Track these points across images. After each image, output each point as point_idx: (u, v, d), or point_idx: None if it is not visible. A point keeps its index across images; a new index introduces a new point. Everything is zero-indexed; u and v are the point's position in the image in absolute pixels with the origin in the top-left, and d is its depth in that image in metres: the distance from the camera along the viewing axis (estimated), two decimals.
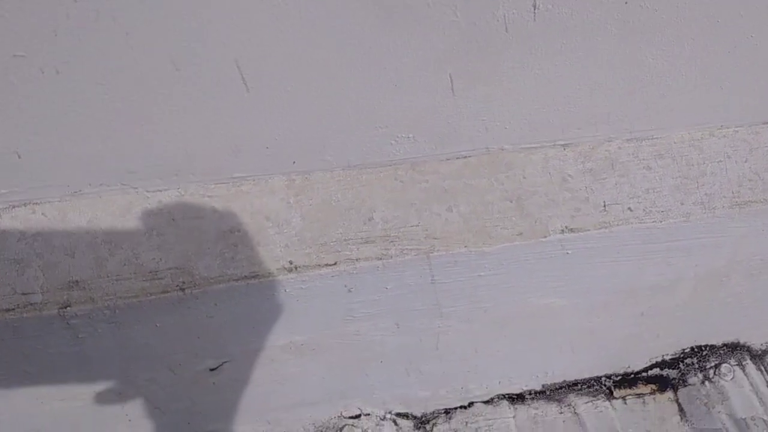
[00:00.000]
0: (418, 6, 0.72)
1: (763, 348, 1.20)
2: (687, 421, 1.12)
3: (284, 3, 0.67)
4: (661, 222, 0.93)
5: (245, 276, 0.83)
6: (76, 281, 0.79)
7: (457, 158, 0.93)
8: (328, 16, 0.69)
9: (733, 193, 0.95)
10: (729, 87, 0.93)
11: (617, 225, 0.92)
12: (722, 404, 1.11)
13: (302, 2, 0.67)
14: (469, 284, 0.94)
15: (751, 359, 1.17)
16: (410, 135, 0.88)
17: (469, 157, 0.93)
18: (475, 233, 0.89)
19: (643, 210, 0.93)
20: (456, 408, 1.13)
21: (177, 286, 0.81)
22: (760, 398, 1.12)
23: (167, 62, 0.69)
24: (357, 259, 0.86)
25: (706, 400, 1.12)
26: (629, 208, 0.93)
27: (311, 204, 0.88)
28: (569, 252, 0.93)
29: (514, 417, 1.11)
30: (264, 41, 0.70)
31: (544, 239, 0.91)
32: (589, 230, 0.91)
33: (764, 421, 1.09)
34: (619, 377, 1.16)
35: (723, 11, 0.81)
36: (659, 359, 1.16)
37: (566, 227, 0.91)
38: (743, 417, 1.09)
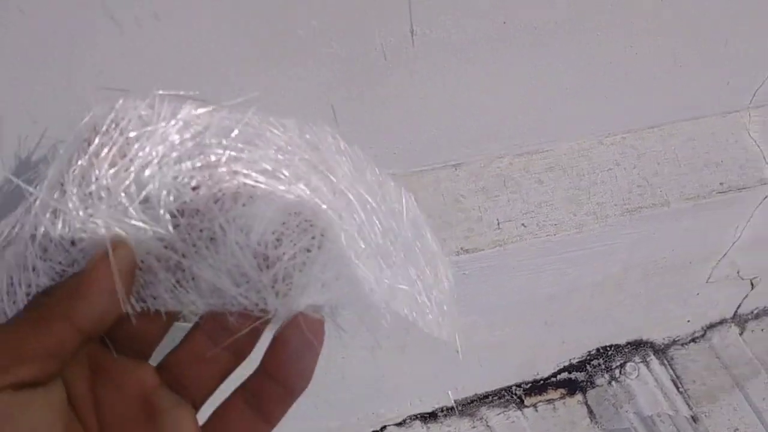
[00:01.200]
0: (292, 40, 0.70)
1: (666, 342, 1.26)
2: (596, 422, 1.17)
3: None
4: (555, 235, 0.96)
5: None
6: None
7: None
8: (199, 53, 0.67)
9: (623, 200, 0.99)
10: (613, 95, 0.96)
11: (511, 242, 0.94)
12: (629, 403, 1.16)
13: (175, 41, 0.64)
14: None
15: (654, 354, 1.23)
16: None
17: None
18: None
19: (537, 225, 0.95)
20: None
21: None
22: (665, 393, 1.19)
23: None
24: None
25: (614, 401, 1.17)
26: (523, 224, 0.95)
27: None
28: (466, 272, 0.95)
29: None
30: None
31: None
32: (483, 250, 0.93)
33: (669, 416, 1.15)
34: (529, 384, 1.19)
35: (602, 24, 0.84)
36: (567, 363, 1.21)
37: (461, 248, 0.92)
38: (650, 414, 1.14)
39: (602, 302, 1.13)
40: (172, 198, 0.39)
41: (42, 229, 0.38)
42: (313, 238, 0.41)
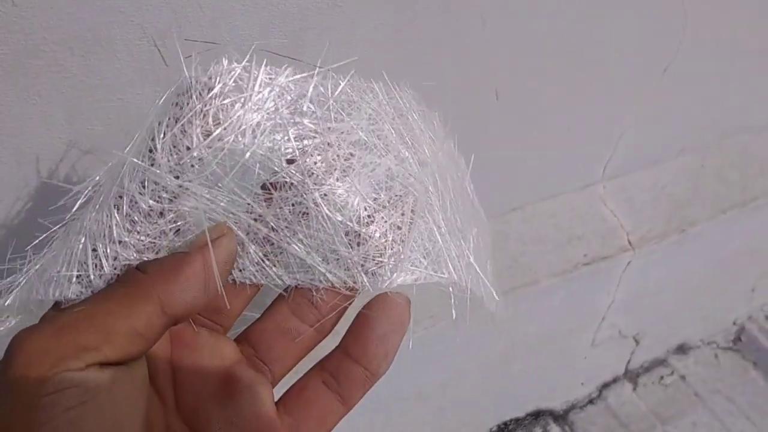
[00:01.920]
0: None
1: (565, 408, 1.31)
2: None
3: None
4: (434, 326, 0.99)
5: None
6: None
7: None
8: None
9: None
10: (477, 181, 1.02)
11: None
12: None
13: None
14: None
15: (554, 422, 1.28)
16: None
17: None
18: None
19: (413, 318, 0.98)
20: None
21: None
22: None
23: None
24: None
25: None
26: None
27: None
28: None
29: None
30: None
31: None
32: None
33: None
34: None
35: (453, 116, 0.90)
36: None
37: None
38: None
39: (494, 379, 1.17)
40: (266, 170, 0.38)
41: (128, 199, 0.36)
42: (403, 214, 0.41)
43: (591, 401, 1.34)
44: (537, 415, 1.28)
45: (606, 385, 1.35)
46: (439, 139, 0.52)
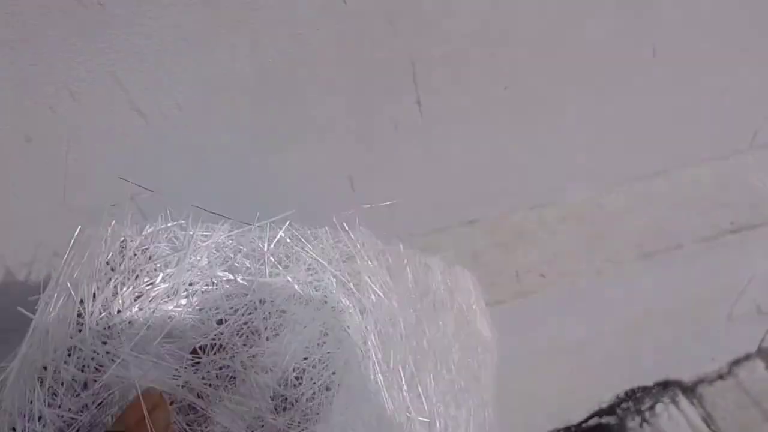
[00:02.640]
0: (307, 122, 0.79)
1: (693, 381, 1.31)
2: None
3: None
4: (572, 284, 1.02)
5: None
6: None
7: None
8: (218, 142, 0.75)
9: (636, 245, 1.05)
10: (618, 146, 1.04)
11: (532, 293, 1.00)
12: None
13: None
14: None
15: (683, 394, 1.28)
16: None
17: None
18: None
19: (556, 274, 1.02)
20: None
21: None
22: None
23: None
24: None
25: None
26: (541, 275, 1.02)
27: None
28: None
29: None
30: None
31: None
32: (506, 302, 0.99)
33: None
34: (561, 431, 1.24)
35: (602, 83, 0.92)
36: (597, 408, 1.26)
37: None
38: None
39: (627, 345, 1.18)
40: (196, 332, 0.37)
41: (52, 369, 0.34)
42: (334, 373, 0.40)
43: (721, 376, 1.33)
44: (665, 386, 1.28)
45: (737, 362, 1.34)
46: (398, 274, 0.50)
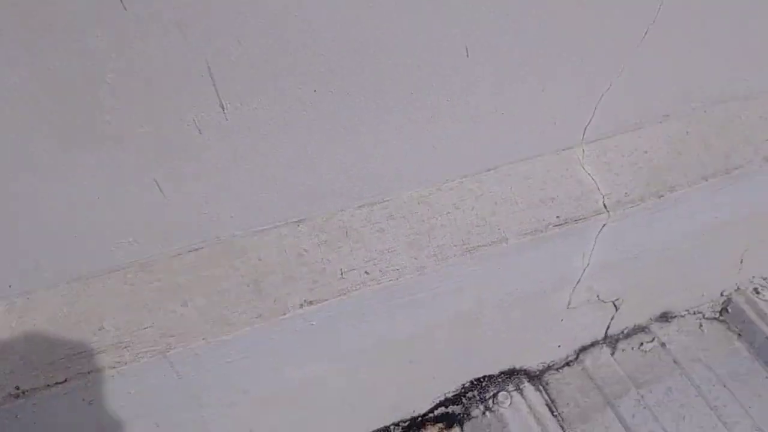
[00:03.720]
0: (98, 124, 0.79)
1: (540, 369, 1.37)
2: None
3: None
4: (397, 279, 1.05)
5: None
6: None
7: (189, 251, 1.01)
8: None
9: (462, 240, 1.09)
10: (446, 144, 1.07)
11: (355, 290, 1.03)
12: (503, 429, 1.26)
13: None
14: (220, 371, 1.02)
15: (528, 381, 1.34)
16: (130, 239, 0.95)
17: (202, 248, 1.01)
18: (214, 323, 0.98)
19: (379, 271, 1.05)
20: None
21: None
22: (537, 418, 1.29)
23: None
24: (89, 372, 0.92)
25: (488, 430, 1.27)
26: (366, 272, 1.05)
27: (35, 324, 0.93)
28: (314, 323, 1.04)
29: None
30: None
31: (284, 316, 1.01)
32: (327, 300, 1.02)
33: None
34: (408, 422, 1.29)
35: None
36: (442, 398, 1.31)
37: (305, 301, 1.02)
38: None
39: (464, 337, 1.23)
40: None
41: None
42: None
43: (568, 363, 1.40)
44: (511, 374, 1.34)
45: (584, 349, 1.41)
46: None
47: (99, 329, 0.95)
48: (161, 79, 0.80)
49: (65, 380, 0.91)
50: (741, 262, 1.47)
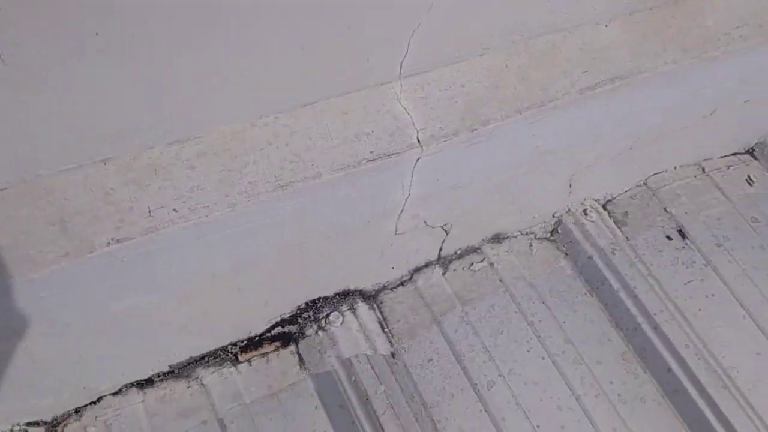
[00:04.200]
0: None
1: (376, 289, 1.47)
2: (305, 369, 1.38)
3: None
4: (207, 216, 1.10)
5: None
6: None
7: None
8: None
9: (275, 177, 1.14)
10: (263, 78, 1.09)
11: (164, 227, 1.08)
12: (332, 348, 1.37)
13: None
14: (36, 307, 1.07)
15: (363, 301, 1.44)
16: None
17: (5, 189, 1.03)
18: (20, 262, 1.02)
19: (188, 209, 1.10)
20: (86, 405, 1.29)
21: None
22: (367, 335, 1.40)
23: None
24: None
25: (320, 347, 1.38)
26: (174, 209, 1.09)
27: None
28: (125, 259, 1.09)
29: (143, 401, 1.30)
30: None
31: (91, 254, 1.05)
32: (135, 238, 1.07)
33: (367, 356, 1.36)
34: (245, 342, 1.38)
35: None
36: (278, 319, 1.40)
37: (112, 239, 1.06)
38: (348, 356, 1.35)
39: (292, 265, 1.31)
40: None
41: None
42: None
43: (402, 283, 1.50)
44: (345, 295, 1.44)
45: (418, 269, 1.51)
46: None
47: None
48: None
49: None
50: (570, 186, 1.57)
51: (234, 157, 1.14)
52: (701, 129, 1.65)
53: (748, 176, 1.75)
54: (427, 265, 1.52)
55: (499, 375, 1.42)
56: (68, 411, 1.30)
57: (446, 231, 1.47)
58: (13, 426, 1.26)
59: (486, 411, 1.39)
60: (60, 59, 0.91)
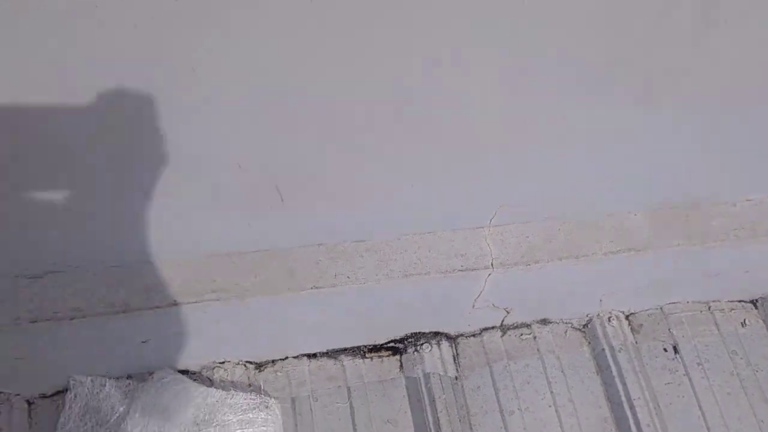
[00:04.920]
0: None
1: (456, 334, 2.39)
2: (402, 372, 2.33)
3: None
4: (363, 284, 2.08)
5: None
6: None
7: None
8: None
9: (404, 270, 2.09)
10: (419, 213, 2.03)
11: (341, 285, 2.07)
12: (421, 364, 2.31)
13: None
14: (285, 309, 2.11)
15: (446, 340, 2.36)
16: None
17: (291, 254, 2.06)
18: (288, 289, 2.05)
19: (355, 278, 2.07)
20: (277, 360, 2.33)
21: None
22: (443, 362, 2.33)
23: None
24: None
25: (413, 361, 2.32)
26: (347, 276, 2.08)
27: None
28: (318, 296, 2.09)
29: (308, 365, 2.32)
30: None
31: (302, 291, 2.06)
32: (325, 288, 2.07)
33: (439, 374, 2.30)
34: (371, 346, 2.36)
35: None
36: (393, 338, 2.36)
37: (314, 286, 2.06)
38: (429, 372, 2.29)
39: (408, 312, 2.25)
40: None
41: None
42: None
43: (473, 335, 2.40)
44: (437, 334, 2.37)
45: (485, 329, 2.40)
46: None
47: None
48: None
49: None
50: (600, 301, 2.37)
51: (384, 254, 2.09)
52: (709, 283, 2.37)
53: (744, 320, 2.44)
54: (491, 328, 2.41)
55: (518, 408, 2.29)
56: (268, 360, 2.36)
57: (507, 311, 2.34)
58: (239, 360, 2.33)
59: (505, 428, 2.28)
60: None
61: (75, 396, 2.17)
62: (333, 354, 2.37)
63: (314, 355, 2.36)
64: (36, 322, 1.92)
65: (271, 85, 1.43)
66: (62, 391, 2.22)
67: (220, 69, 1.36)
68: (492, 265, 2.11)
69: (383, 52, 1.40)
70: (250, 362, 2.35)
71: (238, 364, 2.32)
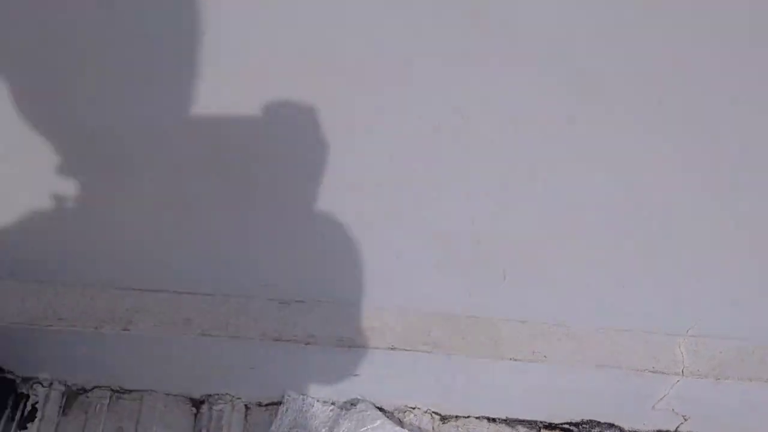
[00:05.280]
0: None
1: (630, 430, 2.54)
2: None
3: None
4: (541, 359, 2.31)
5: None
6: None
7: None
8: None
9: (582, 356, 2.30)
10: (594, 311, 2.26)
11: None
12: None
13: None
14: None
15: None
16: None
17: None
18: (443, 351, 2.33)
19: (529, 355, 2.31)
20: (460, 416, 2.59)
21: None
22: None
23: None
24: None
25: None
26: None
27: None
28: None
29: (488, 428, 2.56)
30: None
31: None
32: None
33: None
34: (546, 423, 2.56)
35: None
36: (569, 420, 2.55)
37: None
38: None
39: (588, 405, 2.45)
40: None
41: None
42: None
43: None
44: (611, 426, 2.54)
45: (660, 431, 2.54)
46: None
47: None
48: None
49: None
50: None
51: (581, 342, 2.31)
52: None
53: None
54: (665, 431, 2.55)
55: None
56: (453, 414, 2.62)
57: (684, 419, 2.47)
58: (427, 409, 2.61)
59: None
60: None
61: (287, 410, 2.53)
62: (511, 422, 2.60)
63: (494, 420, 2.60)
64: (279, 340, 2.31)
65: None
66: (275, 403, 2.58)
67: None
68: (682, 372, 2.28)
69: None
70: (437, 413, 2.62)
71: (426, 412, 2.60)
